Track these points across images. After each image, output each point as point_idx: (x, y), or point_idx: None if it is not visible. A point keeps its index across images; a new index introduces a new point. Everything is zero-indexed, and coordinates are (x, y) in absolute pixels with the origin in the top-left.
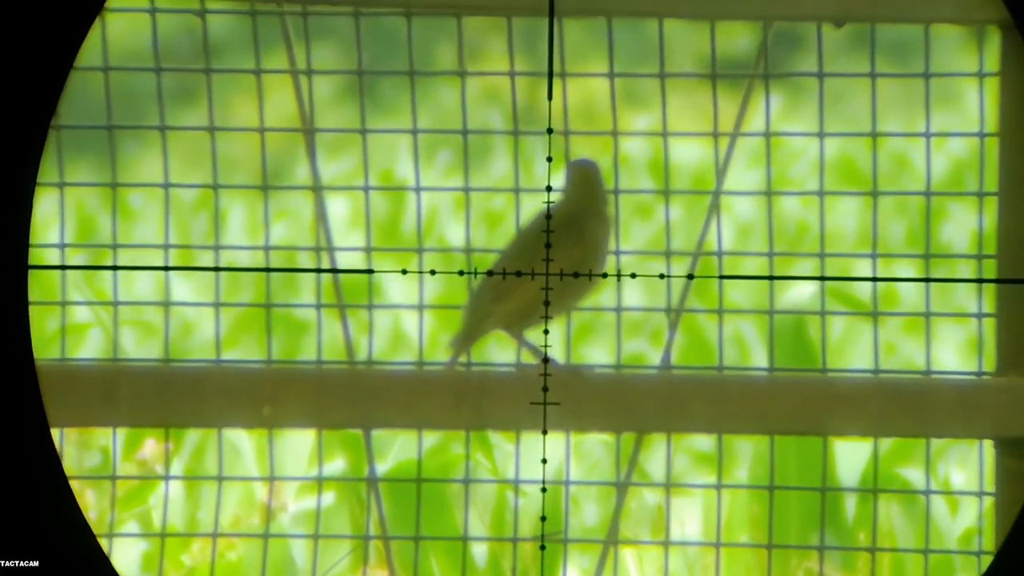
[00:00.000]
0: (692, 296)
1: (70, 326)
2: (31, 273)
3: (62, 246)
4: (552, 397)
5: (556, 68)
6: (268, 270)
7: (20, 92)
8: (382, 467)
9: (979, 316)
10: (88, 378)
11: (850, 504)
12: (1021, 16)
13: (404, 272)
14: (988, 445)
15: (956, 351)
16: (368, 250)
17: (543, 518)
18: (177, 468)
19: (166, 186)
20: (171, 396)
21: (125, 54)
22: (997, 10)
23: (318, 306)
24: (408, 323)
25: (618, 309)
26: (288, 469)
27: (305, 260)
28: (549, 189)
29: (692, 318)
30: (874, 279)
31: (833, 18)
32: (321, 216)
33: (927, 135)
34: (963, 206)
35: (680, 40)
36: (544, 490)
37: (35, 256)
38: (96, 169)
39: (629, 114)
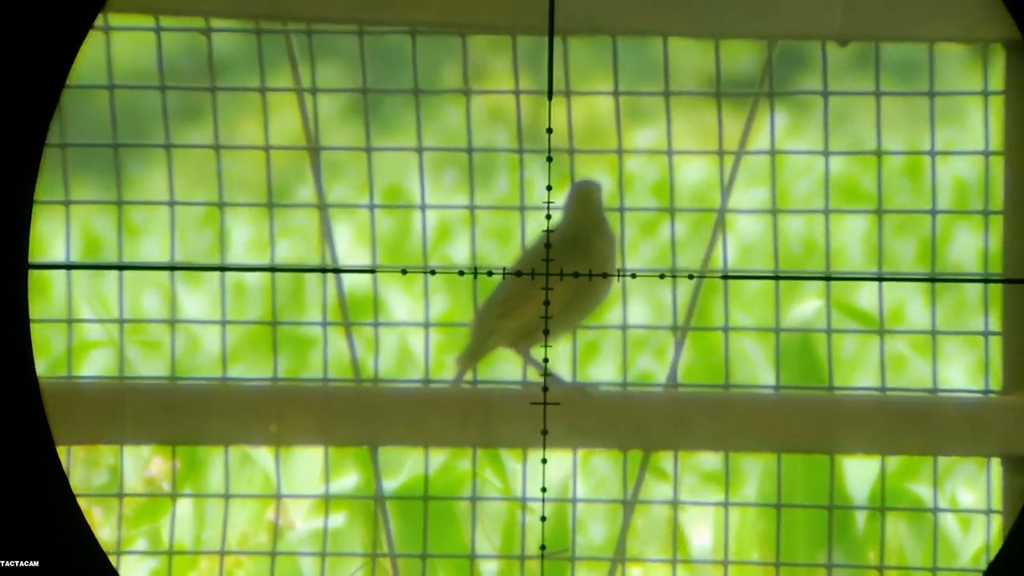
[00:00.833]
0: (698, 314)
1: (80, 344)
2: (38, 289)
3: (68, 267)
4: (559, 415)
5: (560, 87)
6: (273, 269)
7: (15, 105)
8: (394, 483)
9: (985, 334)
10: (94, 396)
11: (859, 522)
12: None
13: (404, 272)
14: (996, 463)
15: (963, 370)
16: (374, 270)
17: (543, 518)
18: (192, 485)
19: (171, 204)
20: (177, 414)
21: (130, 72)
22: (1002, 29)
23: (324, 324)
24: (413, 340)
25: (624, 327)
26: (302, 485)
27: (311, 278)
28: (549, 188)
29: (697, 336)
30: (879, 278)
31: (837, 37)
32: (326, 234)
33: (932, 153)
34: (968, 225)
35: (685, 59)
36: (544, 490)
37: (40, 277)
38: (101, 187)
39: (634, 132)
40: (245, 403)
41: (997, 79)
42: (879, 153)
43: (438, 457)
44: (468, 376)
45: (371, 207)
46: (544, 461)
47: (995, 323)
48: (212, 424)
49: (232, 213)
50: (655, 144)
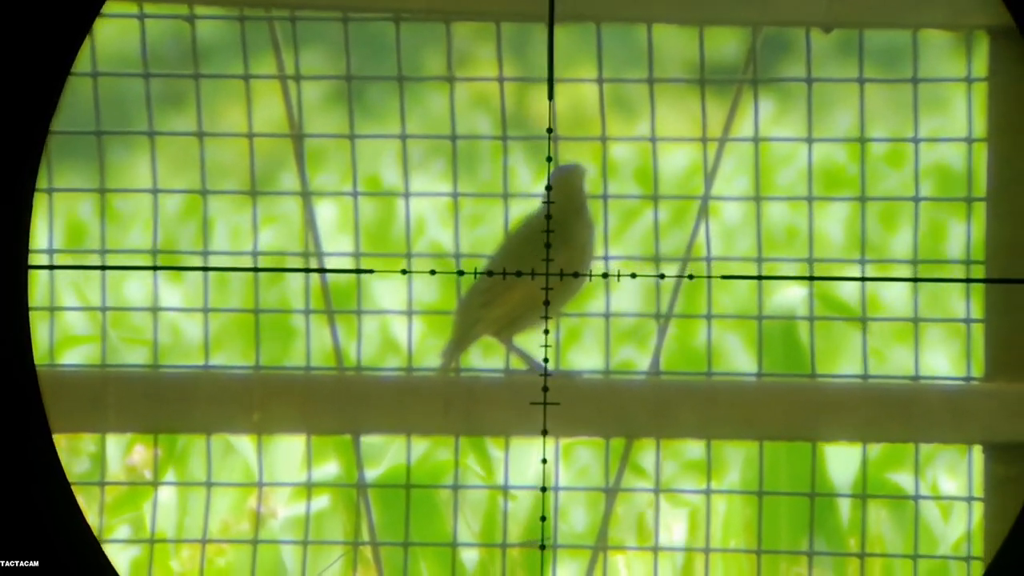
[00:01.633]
0: (681, 301)
1: (68, 338)
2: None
3: (51, 251)
4: (554, 401)
5: (544, 74)
6: (256, 270)
7: (18, 95)
8: (375, 472)
9: (968, 321)
10: (77, 384)
11: (843, 509)
12: (1022, 17)
13: (404, 272)
14: (977, 450)
15: (945, 357)
16: (357, 255)
17: (543, 518)
18: (172, 473)
19: (154, 191)
20: (160, 402)
21: (114, 59)
22: (985, 15)
23: (307, 312)
24: (396, 328)
25: (607, 315)
26: (283, 474)
27: (294, 265)
28: (549, 188)
29: (680, 323)
30: (863, 279)
31: (822, 23)
32: (310, 221)
33: (915, 140)
34: (952, 211)
35: (669, 46)
36: (544, 490)
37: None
38: (85, 174)
39: (618, 120)
40: (227, 391)
41: (981, 66)
42: (862, 140)
43: (420, 446)
44: (452, 365)
45: (355, 194)
46: (544, 461)
47: (977, 310)
48: (194, 412)
49: (215, 200)
50: (640, 131)
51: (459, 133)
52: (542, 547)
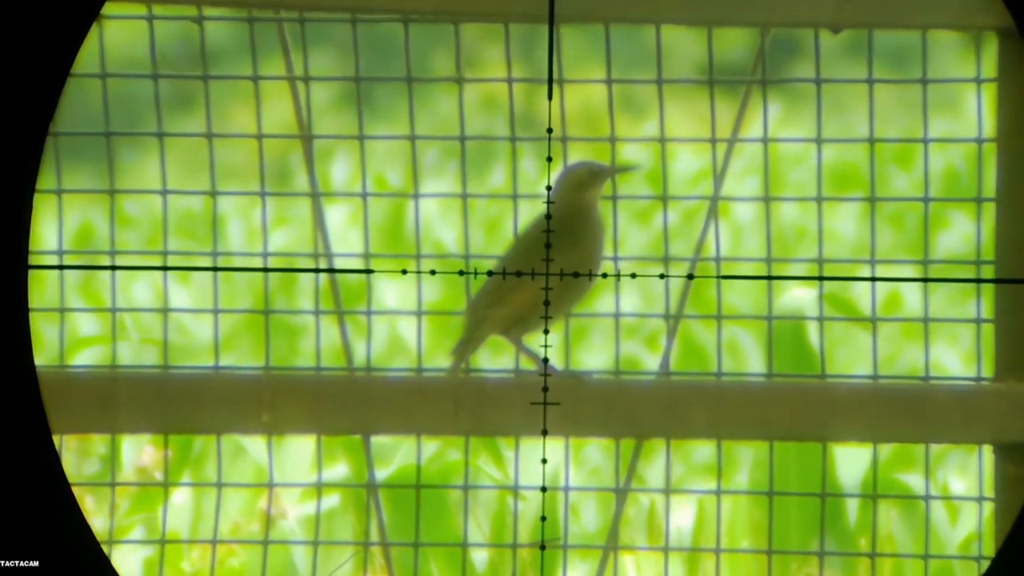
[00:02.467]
0: (690, 302)
1: (79, 340)
2: (32, 281)
3: (60, 252)
4: (552, 402)
5: (554, 75)
6: (266, 270)
7: (19, 96)
8: (385, 472)
9: (978, 322)
10: (87, 385)
11: (851, 509)
12: (1022, 19)
13: (404, 272)
14: (987, 450)
15: (955, 357)
16: (366, 255)
17: (543, 518)
18: (182, 474)
19: (164, 192)
20: (170, 403)
21: (123, 61)
22: (995, 16)
23: (317, 312)
24: (404, 328)
25: (616, 315)
26: (294, 474)
27: (304, 266)
28: (549, 188)
29: (688, 324)
30: (872, 279)
31: (831, 24)
32: (319, 222)
33: (925, 141)
34: (962, 212)
35: (678, 47)
36: (544, 489)
37: (34, 262)
38: (94, 176)
39: (627, 120)
40: (238, 392)
41: (990, 66)
42: (872, 141)
43: (430, 446)
44: (462, 365)
45: (364, 195)
46: (544, 461)
47: (987, 311)
48: (205, 413)
49: (225, 201)
50: (649, 132)
51: (468, 134)
52: (542, 547)
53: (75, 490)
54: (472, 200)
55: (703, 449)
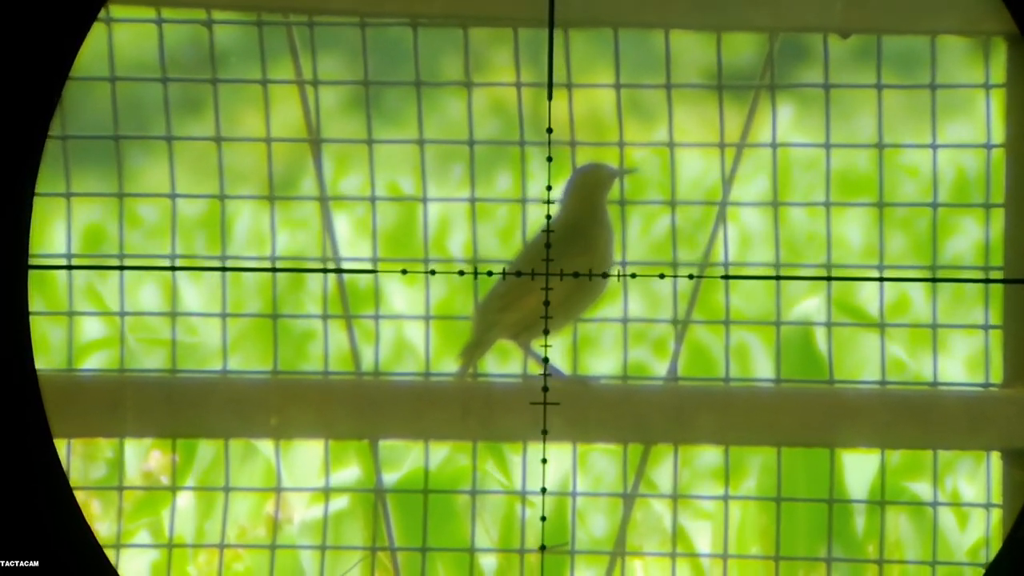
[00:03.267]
0: (698, 307)
1: (87, 344)
2: (40, 285)
3: (68, 255)
4: (559, 407)
5: (562, 79)
6: (275, 270)
7: (17, 98)
8: (394, 477)
9: (986, 328)
10: (95, 389)
11: (859, 516)
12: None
13: (404, 272)
14: (995, 456)
15: (963, 363)
16: (374, 260)
17: (543, 518)
18: (189, 478)
19: (173, 196)
20: (178, 407)
21: (131, 64)
22: (1003, 22)
23: (324, 316)
24: (411, 332)
25: (624, 320)
26: (304, 477)
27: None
28: (549, 188)
29: (696, 329)
30: (880, 279)
31: (839, 29)
32: (327, 226)
33: (933, 146)
34: (970, 217)
35: (686, 51)
36: (544, 490)
37: (39, 264)
38: (103, 179)
39: (636, 125)
40: (245, 396)
41: (999, 72)
42: (880, 146)
43: (439, 451)
44: (471, 370)
45: (372, 199)
46: (544, 461)
47: (995, 316)
48: (212, 417)
49: (234, 205)
50: (658, 137)
51: (477, 138)
52: (542, 548)
53: (81, 494)
54: (485, 205)
55: (710, 455)
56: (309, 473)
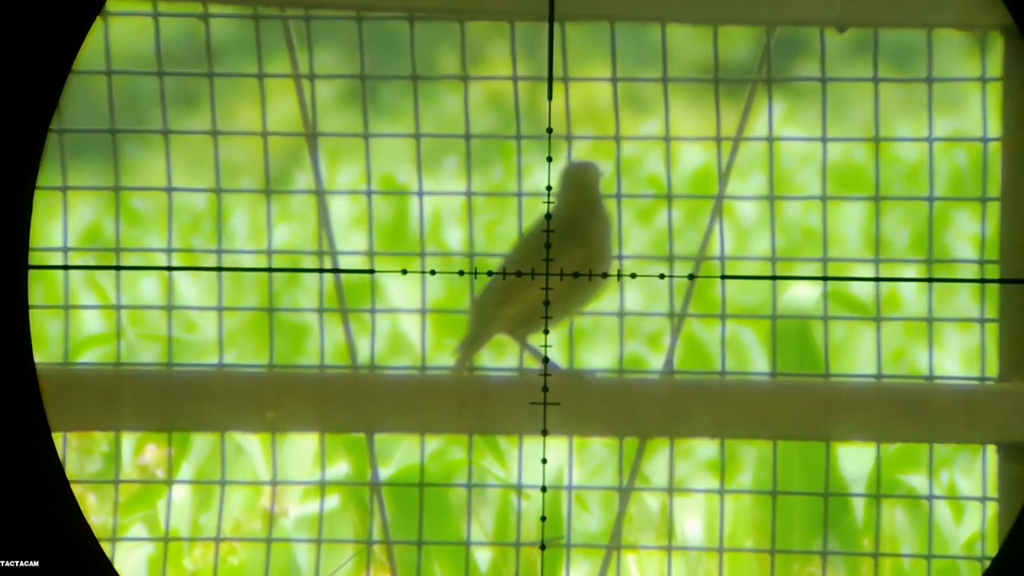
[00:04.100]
0: (694, 301)
1: (88, 339)
2: (38, 279)
3: (65, 249)
4: (555, 401)
5: (558, 72)
6: (271, 270)
7: (19, 93)
8: (387, 471)
9: (982, 321)
10: (91, 383)
11: (856, 509)
12: (1022, 18)
13: (404, 272)
14: (991, 450)
15: (959, 356)
16: (371, 254)
17: (543, 518)
18: (185, 472)
19: (169, 190)
20: (174, 401)
21: (128, 58)
22: (1000, 15)
23: (321, 310)
24: (407, 326)
25: (620, 314)
26: (294, 473)
27: (308, 264)
28: (549, 189)
29: (691, 323)
30: (876, 279)
31: (836, 23)
32: (324, 220)
33: (930, 140)
34: (966, 211)
35: (683, 45)
36: (544, 489)
37: (38, 259)
38: (99, 173)
39: (631, 118)
40: (242, 390)
41: (995, 66)
42: (876, 140)
43: (432, 444)
44: (468, 364)
45: (368, 193)
46: (544, 461)
47: (991, 310)
48: (209, 411)
49: (230, 198)
50: (654, 130)
51: (473, 132)
52: (542, 547)
53: (77, 488)
54: (481, 199)
55: (706, 448)
56: (299, 469)
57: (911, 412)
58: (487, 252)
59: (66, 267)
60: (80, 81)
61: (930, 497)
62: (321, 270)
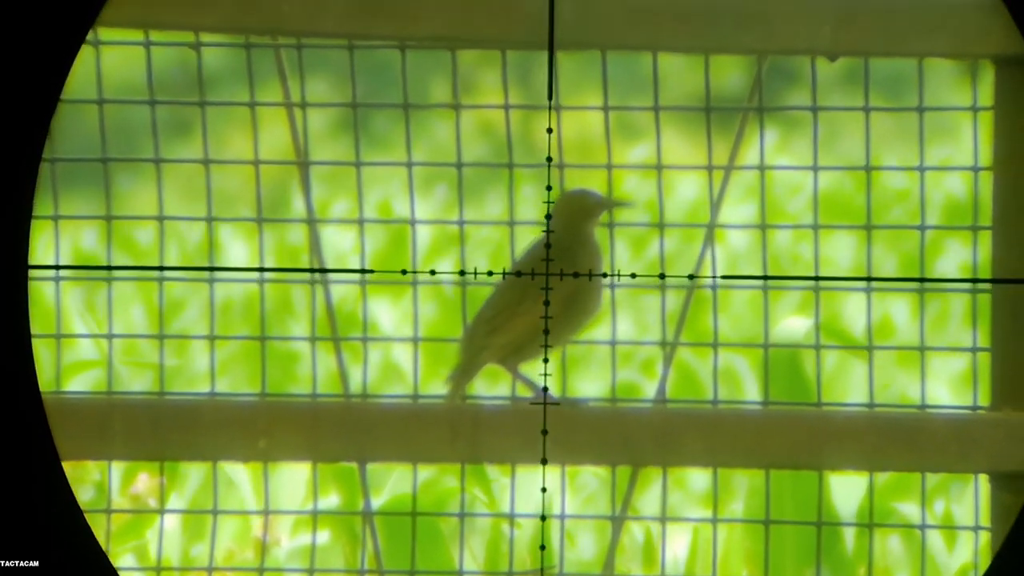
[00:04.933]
0: (686, 329)
1: (75, 363)
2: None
3: (57, 279)
4: (547, 430)
5: (552, 101)
6: (262, 269)
7: (12, 119)
8: (377, 501)
9: (974, 350)
10: (83, 411)
11: (849, 538)
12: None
13: (404, 272)
14: (984, 479)
15: (951, 386)
16: (363, 283)
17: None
18: (175, 502)
19: (160, 219)
20: (166, 429)
21: (120, 87)
22: (991, 44)
23: (313, 339)
24: (399, 354)
25: (612, 342)
26: (283, 503)
27: (300, 292)
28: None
29: (683, 351)
30: (867, 278)
31: (827, 52)
32: (316, 248)
33: (921, 169)
34: (958, 240)
35: (675, 74)
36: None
37: (33, 290)
38: (91, 202)
39: (624, 147)
40: (234, 418)
41: (986, 95)
42: (868, 169)
43: (422, 473)
44: (460, 393)
45: (360, 222)
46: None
47: (983, 339)
48: (200, 439)
49: (223, 228)
50: (646, 159)
51: (465, 160)
52: (541, 572)
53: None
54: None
55: (699, 477)
56: (289, 499)
57: (903, 441)
58: (480, 282)
59: (57, 278)
60: (72, 110)
61: (923, 526)
62: (312, 269)
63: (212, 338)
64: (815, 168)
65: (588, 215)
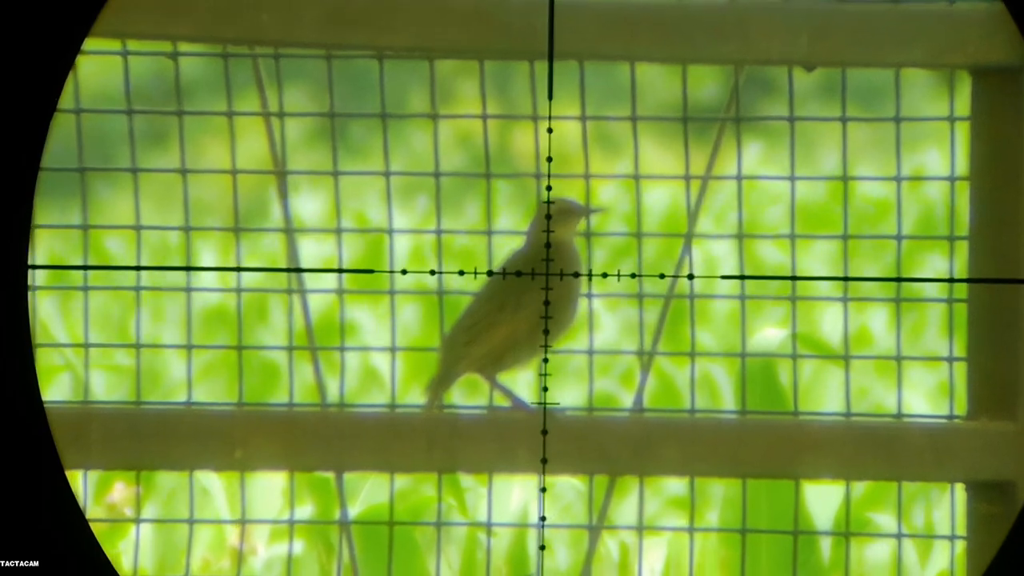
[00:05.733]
0: (664, 339)
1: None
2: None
3: (34, 288)
4: (522, 439)
5: (528, 111)
6: (239, 269)
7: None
8: (353, 510)
9: (950, 360)
10: (58, 420)
11: (825, 548)
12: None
13: (405, 272)
14: (960, 488)
15: (927, 395)
16: (340, 291)
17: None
18: (149, 511)
19: (138, 228)
20: (142, 439)
21: (97, 96)
22: (968, 55)
23: (290, 348)
24: (378, 361)
25: (590, 352)
26: (259, 512)
27: (277, 302)
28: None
29: (661, 361)
30: (844, 280)
31: (804, 62)
32: (293, 258)
33: (898, 179)
34: (935, 251)
35: (652, 84)
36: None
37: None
38: (68, 211)
39: (602, 157)
40: (210, 428)
41: (963, 105)
42: (845, 179)
43: (397, 483)
44: (437, 403)
45: (338, 231)
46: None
47: (959, 349)
48: (177, 449)
49: (200, 237)
50: (624, 169)
51: (443, 170)
52: None
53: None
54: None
55: (675, 486)
56: (264, 508)
57: (879, 451)
58: (459, 290)
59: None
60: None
61: (898, 536)
62: (289, 269)
63: (189, 347)
64: (792, 178)
65: (566, 224)
